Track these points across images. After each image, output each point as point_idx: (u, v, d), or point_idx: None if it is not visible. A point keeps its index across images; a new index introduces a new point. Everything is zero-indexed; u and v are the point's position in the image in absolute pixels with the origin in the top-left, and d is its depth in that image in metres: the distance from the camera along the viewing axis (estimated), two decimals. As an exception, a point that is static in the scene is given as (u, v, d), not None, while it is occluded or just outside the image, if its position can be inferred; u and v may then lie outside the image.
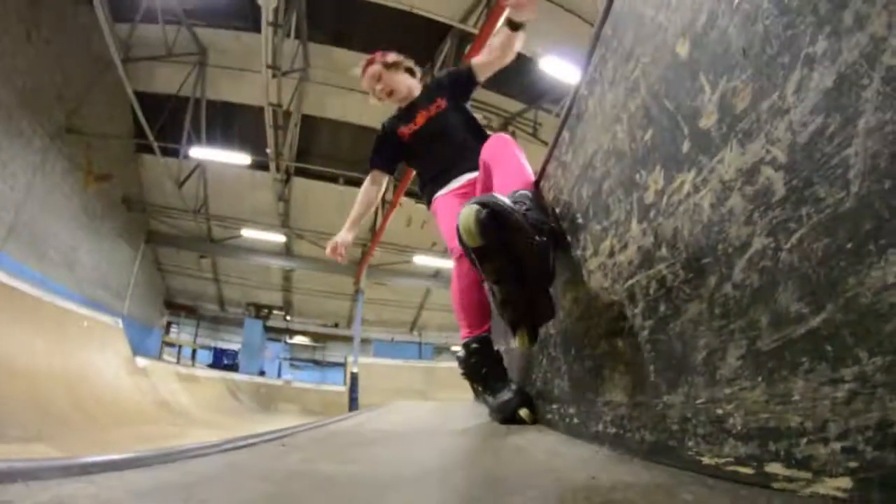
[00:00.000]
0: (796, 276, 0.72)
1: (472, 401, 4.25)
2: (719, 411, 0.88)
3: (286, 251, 20.46)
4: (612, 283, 1.38)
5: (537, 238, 1.61)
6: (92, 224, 14.88)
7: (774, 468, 0.75)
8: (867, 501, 0.60)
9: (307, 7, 10.88)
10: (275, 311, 25.46)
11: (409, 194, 15.00)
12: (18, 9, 9.93)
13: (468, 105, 3.12)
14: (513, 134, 11.85)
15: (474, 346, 2.59)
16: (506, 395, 2.38)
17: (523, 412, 2.27)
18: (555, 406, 1.98)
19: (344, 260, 2.97)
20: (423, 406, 6.00)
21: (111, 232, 16.22)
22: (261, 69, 10.55)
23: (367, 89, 3.16)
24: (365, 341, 22.56)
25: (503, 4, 2.58)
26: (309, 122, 14.63)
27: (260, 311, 24.78)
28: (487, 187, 2.33)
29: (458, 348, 2.75)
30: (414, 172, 11.24)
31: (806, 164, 0.70)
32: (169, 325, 24.05)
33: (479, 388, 2.65)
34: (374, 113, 13.75)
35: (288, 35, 10.78)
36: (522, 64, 10.83)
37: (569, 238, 1.81)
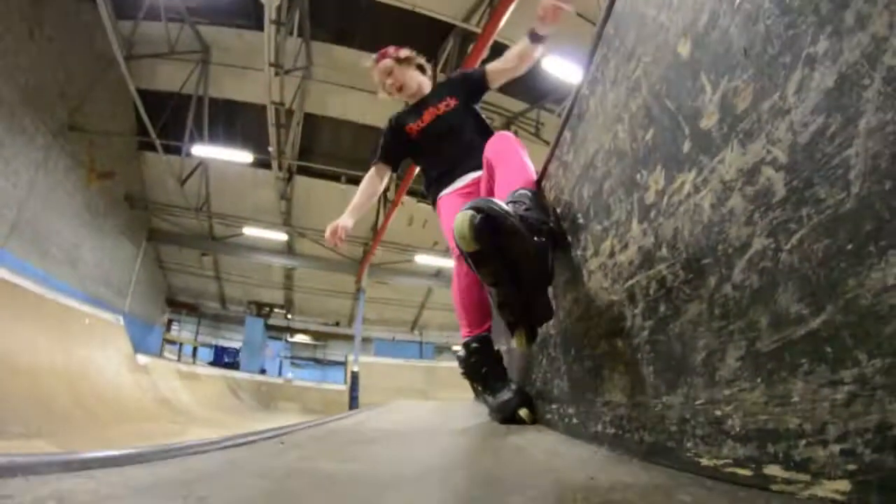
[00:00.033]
0: (796, 277, 0.71)
1: (473, 400, 4.25)
2: (718, 412, 0.88)
3: (288, 249, 20.47)
4: (613, 283, 1.38)
5: (535, 239, 1.61)
6: (94, 221, 14.91)
7: (773, 470, 0.75)
8: (866, 504, 0.60)
9: (310, 5, 10.89)
10: (276, 310, 25.48)
11: (411, 193, 15.01)
12: (21, 7, 9.95)
13: (478, 107, 3.12)
14: (515, 133, 11.85)
15: (474, 345, 2.60)
16: (506, 395, 2.38)
17: (523, 412, 2.27)
18: (554, 406, 1.98)
19: (343, 245, 2.91)
20: (423, 405, 6.01)
21: (113, 229, 16.25)
22: (263, 67, 10.56)
23: (377, 83, 3.16)
24: (366, 340, 22.59)
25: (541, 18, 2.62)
26: (311, 121, 14.66)
27: (261, 309, 24.80)
28: (490, 185, 2.33)
29: (458, 348, 2.75)
30: (416, 171, 11.16)
31: (806, 165, 0.70)
32: (170, 322, 24.06)
33: (479, 388, 2.65)
34: (376, 112, 13.87)
35: (291, 33, 10.79)
36: (525, 63, 10.81)
37: (569, 238, 1.80)
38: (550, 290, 1.84)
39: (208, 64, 13.42)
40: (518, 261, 1.60)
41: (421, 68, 3.19)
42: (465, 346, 2.63)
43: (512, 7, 8.11)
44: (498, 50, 9.59)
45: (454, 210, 2.62)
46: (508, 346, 2.84)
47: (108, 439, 5.43)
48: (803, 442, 0.69)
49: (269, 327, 24.79)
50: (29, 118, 11.02)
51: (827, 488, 0.65)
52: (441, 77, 10.32)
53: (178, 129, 13.97)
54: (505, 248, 1.56)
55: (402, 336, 27.08)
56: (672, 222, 1.05)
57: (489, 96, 3.30)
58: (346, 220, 2.93)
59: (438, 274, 21.18)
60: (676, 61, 1.06)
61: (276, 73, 10.82)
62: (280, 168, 14.63)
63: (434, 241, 18.80)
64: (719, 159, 0.89)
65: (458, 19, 10.88)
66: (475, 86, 3.08)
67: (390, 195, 15.23)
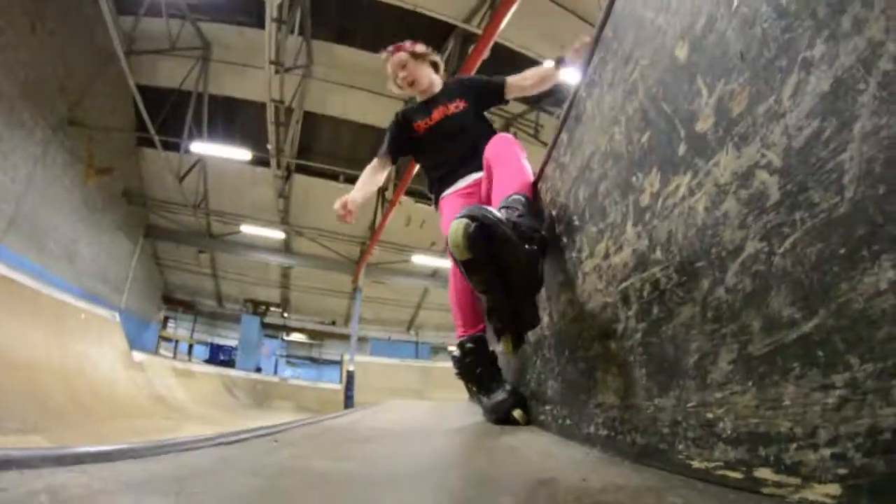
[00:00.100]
0: (789, 281, 0.71)
1: (468, 401, 4.25)
2: (710, 415, 0.88)
3: (285, 248, 20.45)
4: (607, 285, 1.38)
5: (526, 247, 1.62)
6: (92, 217, 14.87)
7: (763, 473, 0.75)
8: (856, 508, 0.60)
9: (311, 4, 10.89)
10: (272, 308, 25.45)
11: (409, 193, 15.02)
12: (23, 1, 9.92)
13: (486, 113, 3.13)
14: (514, 135, 11.86)
15: (469, 345, 2.60)
16: (500, 396, 2.38)
17: (517, 413, 2.27)
18: (548, 407, 1.98)
19: (351, 219, 2.82)
20: (418, 405, 6.00)
21: (111, 225, 16.21)
22: (264, 65, 10.56)
23: (389, 75, 3.15)
24: (362, 339, 22.62)
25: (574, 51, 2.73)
26: (310, 119, 14.67)
27: (257, 307, 24.77)
28: (490, 187, 2.34)
29: (454, 348, 2.75)
30: (414, 172, 11.11)
31: (801, 169, 0.70)
32: (166, 319, 24.04)
33: (474, 388, 2.65)
34: (376, 111, 13.87)
35: (292, 31, 10.79)
36: (525, 65, 10.83)
37: (565, 240, 1.81)
38: (542, 293, 1.85)
39: (209, 61, 13.42)
40: (509, 268, 1.61)
41: (434, 66, 3.19)
42: (460, 346, 2.63)
43: (513, 9, 8.12)
44: (498, 52, 9.69)
45: (454, 211, 2.64)
46: (503, 347, 2.84)
47: (103, 435, 5.42)
48: (794, 445, 0.69)
49: (265, 325, 24.77)
50: (28, 112, 10.99)
51: (817, 492, 0.65)
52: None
53: (178, 126, 13.98)
54: (497, 256, 1.57)
55: (398, 336, 27.07)
56: (666, 225, 1.06)
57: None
58: (354, 195, 2.84)
59: (435, 274, 21.18)
60: (673, 64, 1.06)
61: (277, 71, 10.82)
62: (278, 166, 14.63)
63: (431, 241, 18.80)
64: (714, 162, 0.89)
65: (459, 20, 10.90)
66: (492, 94, 3.10)
67: (388, 195, 15.23)
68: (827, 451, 0.64)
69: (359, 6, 11.25)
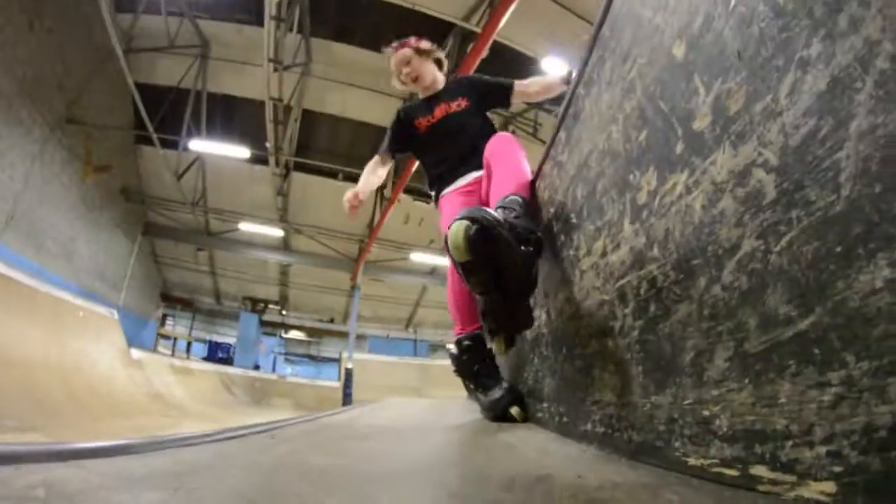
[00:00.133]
0: (785, 279, 0.71)
1: (466, 398, 4.26)
2: (706, 413, 0.88)
3: (284, 246, 20.44)
4: (604, 282, 1.38)
5: (522, 249, 1.63)
6: (90, 215, 14.85)
7: (759, 471, 0.75)
8: (851, 506, 0.60)
9: (310, 2, 10.89)
10: (271, 306, 25.45)
11: (408, 191, 15.02)
12: (22, -2, 9.92)
13: (487, 113, 3.13)
14: (513, 133, 11.87)
15: (466, 343, 2.60)
16: (497, 393, 2.38)
17: (514, 410, 2.28)
18: (545, 404, 1.99)
19: (358, 212, 2.81)
20: (416, 403, 6.00)
21: (109, 223, 16.19)
22: (262, 63, 10.55)
23: (393, 71, 3.14)
24: (360, 337, 22.61)
25: None
26: (309, 117, 14.67)
27: (256, 305, 24.76)
28: (489, 186, 2.34)
29: (452, 346, 2.75)
30: (413, 170, 11.09)
31: (797, 167, 0.70)
32: (164, 317, 24.02)
33: (472, 386, 2.65)
34: (374, 109, 13.87)
35: (290, 29, 10.77)
36: (524, 64, 10.85)
37: (563, 237, 1.81)
38: (540, 290, 1.85)
39: (207, 59, 13.41)
40: (505, 270, 1.61)
41: (438, 63, 3.18)
42: (458, 343, 2.63)
43: (512, 7, 8.11)
44: (497, 50, 9.68)
45: (454, 209, 2.64)
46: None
47: (101, 433, 5.40)
48: (790, 443, 0.69)
49: (263, 323, 24.78)
50: (26, 110, 10.96)
51: (813, 489, 0.65)
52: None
53: (176, 124, 13.96)
54: (495, 258, 1.57)
55: (396, 334, 27.07)
56: (663, 223, 1.06)
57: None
58: (360, 188, 2.85)
59: (433, 272, 21.18)
60: (671, 63, 1.06)
61: (276, 69, 10.80)
62: (277, 164, 14.61)
63: (430, 239, 18.81)
64: (711, 161, 0.90)
65: (458, 18, 10.90)
66: (497, 97, 3.12)
67: (387, 192, 15.23)
68: (823, 449, 0.64)
69: (358, 4, 11.26)
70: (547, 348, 2.00)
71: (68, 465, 1.04)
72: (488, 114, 3.12)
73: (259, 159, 14.86)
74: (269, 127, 12.64)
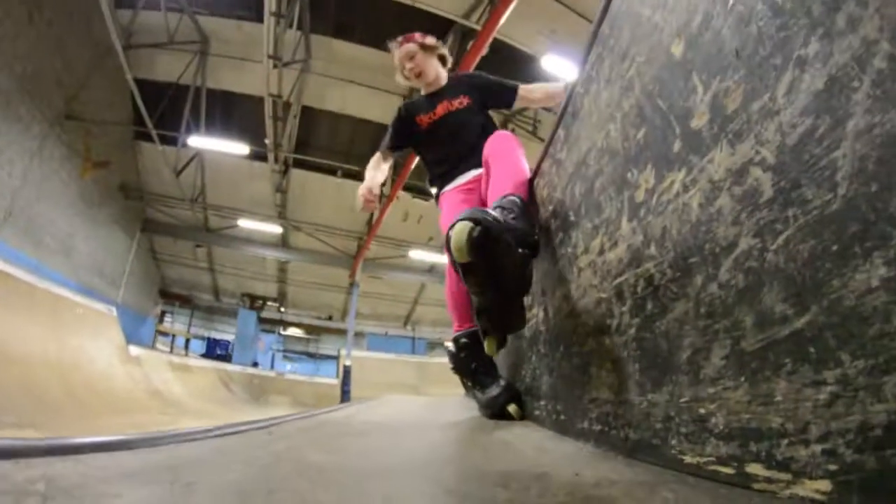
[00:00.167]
0: (781, 278, 0.72)
1: (463, 396, 4.26)
2: (702, 411, 0.88)
3: (282, 243, 20.44)
4: (601, 280, 1.38)
5: (520, 251, 1.63)
6: (89, 211, 14.85)
7: (755, 469, 0.75)
8: (846, 504, 0.60)
9: (310, -2, 10.88)
10: (269, 303, 25.45)
11: (407, 188, 15.02)
12: (21, -10, 9.90)
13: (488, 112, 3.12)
14: (512, 131, 11.86)
15: (464, 340, 2.60)
16: (494, 391, 2.38)
17: (511, 408, 2.28)
18: (543, 402, 1.99)
19: (374, 205, 2.78)
20: (414, 400, 6.01)
21: (108, 219, 16.19)
22: (262, 59, 10.54)
23: (397, 66, 3.13)
24: (359, 335, 22.63)
25: None
26: (308, 114, 14.65)
27: (254, 301, 24.76)
28: (488, 184, 2.34)
29: (450, 343, 2.75)
30: (412, 168, 11.06)
31: (794, 166, 0.70)
32: (163, 314, 23.97)
33: (469, 384, 2.65)
34: (374, 106, 13.85)
35: (290, 26, 10.77)
36: (524, 62, 10.84)
37: (561, 235, 1.81)
38: (539, 289, 1.85)
39: (207, 55, 13.39)
40: (503, 271, 1.61)
41: (442, 60, 3.16)
42: (455, 340, 2.63)
43: (512, 5, 8.11)
44: (497, 48, 9.67)
45: (454, 207, 2.65)
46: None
47: (99, 430, 5.41)
48: (785, 441, 0.70)
49: (261, 320, 24.77)
50: (25, 106, 10.95)
51: (808, 488, 0.65)
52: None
53: (175, 120, 13.95)
54: (495, 259, 1.57)
55: (394, 331, 27.09)
56: (661, 221, 1.06)
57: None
58: (370, 184, 2.82)
59: (432, 270, 21.21)
60: (669, 61, 1.06)
61: (275, 66, 10.79)
62: (276, 161, 14.61)
63: (429, 236, 18.82)
64: (708, 159, 0.90)
65: (459, 15, 10.90)
66: (500, 98, 3.11)
67: (386, 190, 15.22)
68: (818, 447, 0.64)
69: (357, 1, 11.25)
70: (545, 346, 2.00)
71: (67, 460, 1.05)
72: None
73: (258, 156, 14.85)
74: (269, 123, 12.64)
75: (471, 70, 8.05)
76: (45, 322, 6.35)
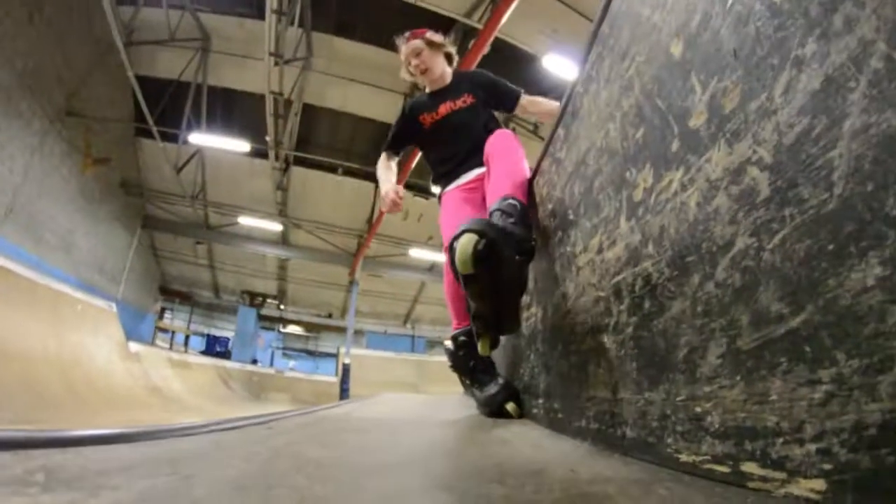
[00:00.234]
0: (777, 277, 0.72)
1: (462, 394, 4.26)
2: (698, 409, 0.88)
3: (283, 240, 20.45)
4: (600, 279, 1.39)
5: (518, 258, 1.64)
6: (89, 207, 14.85)
7: (750, 467, 0.75)
8: (841, 503, 0.60)
9: (312, -4, 10.88)
10: (269, 300, 25.44)
11: (408, 187, 15.00)
12: (23, -11, 9.89)
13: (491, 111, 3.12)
14: (513, 130, 11.87)
15: (462, 338, 2.60)
16: (493, 389, 2.38)
17: (510, 406, 2.28)
18: (540, 401, 1.99)
19: (400, 207, 2.77)
20: (413, 398, 6.02)
21: (108, 216, 16.19)
22: (263, 57, 10.55)
23: (402, 61, 3.11)
24: (358, 333, 22.65)
25: None
26: (309, 112, 14.65)
27: (254, 299, 24.74)
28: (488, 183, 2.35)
29: (448, 342, 2.75)
30: (413, 166, 11.05)
31: (791, 165, 0.70)
32: (163, 310, 23.95)
33: (467, 382, 2.65)
34: (375, 104, 13.84)
35: (292, 23, 10.76)
36: (525, 61, 10.84)
37: (560, 234, 1.81)
38: (538, 287, 1.86)
39: (208, 52, 13.40)
40: (503, 279, 1.62)
41: (448, 57, 3.15)
42: (454, 338, 2.64)
43: (514, 5, 8.11)
44: (499, 47, 9.67)
45: (455, 207, 2.65)
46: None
47: (99, 426, 5.41)
48: (780, 440, 0.70)
49: (261, 317, 24.76)
50: (26, 102, 10.96)
51: (802, 487, 0.65)
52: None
53: (176, 117, 13.97)
54: (497, 270, 1.58)
55: (394, 329, 27.10)
56: (659, 220, 1.06)
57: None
58: (390, 187, 2.80)
59: (432, 268, 21.20)
60: (668, 61, 1.06)
61: (276, 63, 10.80)
62: (277, 158, 14.60)
63: (429, 235, 18.80)
64: (706, 158, 0.90)
65: (460, 14, 10.89)
66: (503, 102, 3.10)
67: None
68: (812, 447, 0.64)
69: (359, -1, 11.26)
70: (543, 344, 2.01)
71: (67, 452, 1.05)
72: None
73: (259, 153, 14.86)
74: (270, 121, 12.64)
75: (473, 68, 8.05)
76: (46, 318, 6.36)
